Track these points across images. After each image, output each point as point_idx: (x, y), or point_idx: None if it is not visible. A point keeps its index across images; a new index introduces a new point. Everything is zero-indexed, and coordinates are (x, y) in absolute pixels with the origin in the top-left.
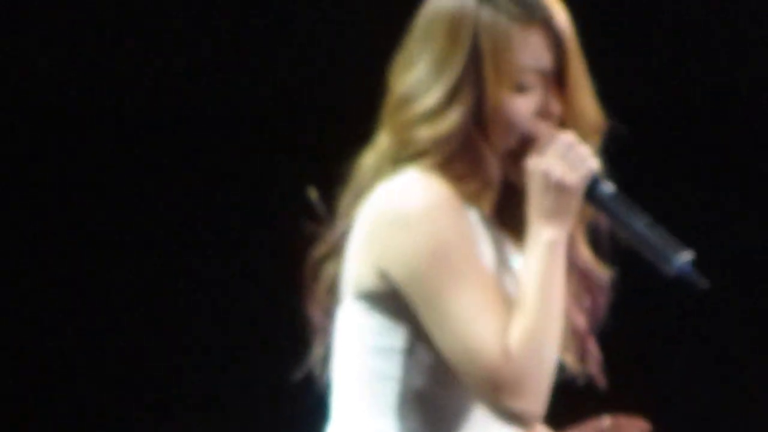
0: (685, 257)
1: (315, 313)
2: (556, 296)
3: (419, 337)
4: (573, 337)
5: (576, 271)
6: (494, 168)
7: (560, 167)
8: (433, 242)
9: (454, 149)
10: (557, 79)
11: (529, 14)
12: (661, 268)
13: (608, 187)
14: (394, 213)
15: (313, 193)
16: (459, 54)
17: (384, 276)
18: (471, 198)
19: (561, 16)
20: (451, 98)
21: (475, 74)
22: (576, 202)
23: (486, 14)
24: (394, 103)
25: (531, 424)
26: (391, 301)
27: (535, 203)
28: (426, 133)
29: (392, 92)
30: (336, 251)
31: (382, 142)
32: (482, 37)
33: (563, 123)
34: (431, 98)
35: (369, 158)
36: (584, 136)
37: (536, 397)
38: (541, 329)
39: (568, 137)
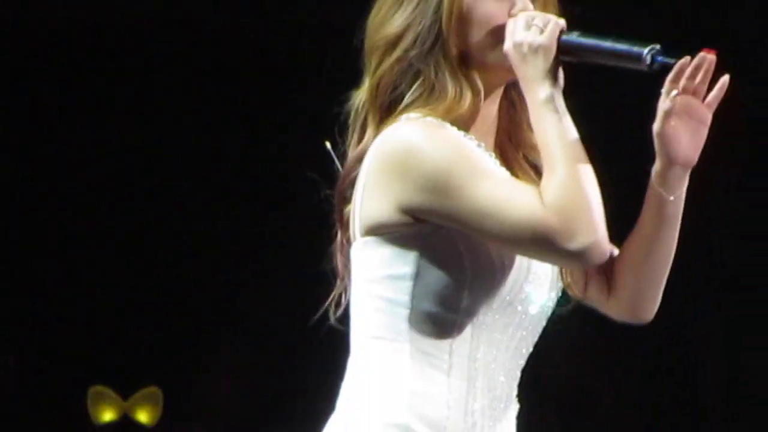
0: (651, 47)
1: (338, 259)
2: (573, 140)
3: (426, 264)
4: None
5: None
6: (479, 88)
7: (529, 35)
8: (445, 157)
9: (417, 69)
10: None
11: None
12: (640, 68)
13: (574, 35)
14: (403, 150)
15: (328, 144)
16: None
17: (405, 209)
18: (463, 124)
19: None
20: (394, 12)
21: None
22: (554, 59)
23: None
24: (365, 45)
25: (600, 258)
26: (405, 231)
27: (522, 76)
28: (380, 48)
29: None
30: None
31: (366, 83)
32: None
33: None
34: (382, 17)
35: (359, 99)
36: None
37: (590, 231)
38: (573, 171)
39: (528, 12)
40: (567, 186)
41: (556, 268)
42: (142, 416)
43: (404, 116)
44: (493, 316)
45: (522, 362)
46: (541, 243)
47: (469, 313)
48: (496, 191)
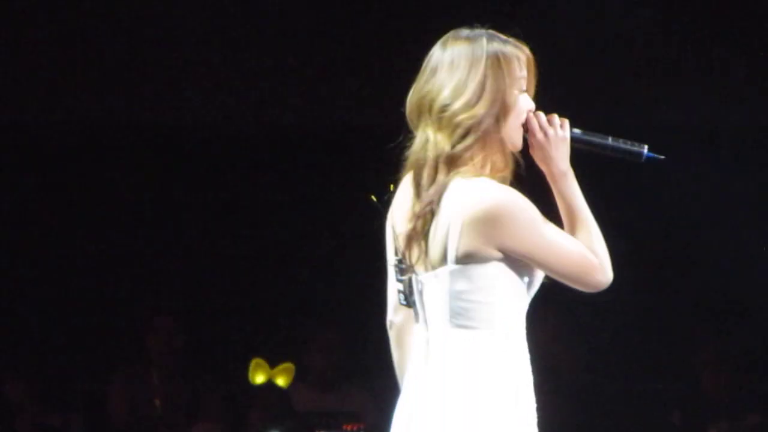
0: (644, 147)
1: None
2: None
3: (504, 279)
4: None
5: None
6: (511, 159)
7: (554, 130)
8: (528, 215)
9: (484, 137)
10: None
11: (517, 46)
12: (634, 160)
13: (579, 131)
14: (501, 207)
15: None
16: (480, 73)
17: (499, 248)
18: (504, 181)
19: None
20: (478, 97)
21: (495, 84)
22: (570, 147)
23: (495, 46)
24: (436, 109)
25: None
26: (493, 261)
27: (551, 157)
28: (464, 117)
29: (428, 106)
30: (423, 228)
31: (430, 136)
32: (497, 59)
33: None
34: (466, 97)
35: (422, 151)
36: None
37: (610, 271)
38: (598, 231)
39: (550, 117)
40: (600, 241)
41: None
42: (281, 381)
43: (477, 179)
44: (530, 303)
45: None
46: (585, 276)
47: (524, 304)
48: (559, 239)
